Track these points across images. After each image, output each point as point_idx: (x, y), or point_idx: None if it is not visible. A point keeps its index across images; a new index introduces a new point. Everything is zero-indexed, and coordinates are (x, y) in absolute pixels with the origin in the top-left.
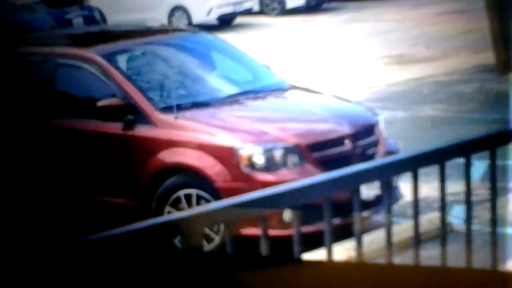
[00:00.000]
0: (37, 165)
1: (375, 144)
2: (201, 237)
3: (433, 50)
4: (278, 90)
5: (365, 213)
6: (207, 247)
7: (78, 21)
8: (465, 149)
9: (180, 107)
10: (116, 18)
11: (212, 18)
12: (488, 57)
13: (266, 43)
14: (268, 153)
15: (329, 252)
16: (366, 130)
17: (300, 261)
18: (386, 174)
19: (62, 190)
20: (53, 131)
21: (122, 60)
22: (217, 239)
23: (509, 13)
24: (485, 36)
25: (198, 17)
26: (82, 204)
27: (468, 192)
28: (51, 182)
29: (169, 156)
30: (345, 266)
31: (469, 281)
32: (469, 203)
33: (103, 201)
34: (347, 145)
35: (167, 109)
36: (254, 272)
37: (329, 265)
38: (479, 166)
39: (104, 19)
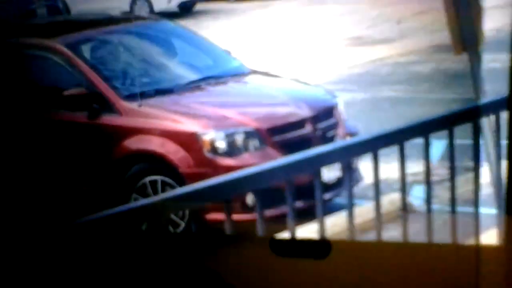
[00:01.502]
0: (5, 153)
1: (334, 126)
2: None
3: (390, 31)
4: (238, 75)
5: (326, 195)
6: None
7: (41, 11)
8: (423, 129)
9: (143, 95)
10: (79, 7)
11: (173, 6)
12: (444, 36)
13: (226, 29)
14: (230, 137)
15: (292, 235)
16: (326, 113)
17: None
18: (347, 156)
19: (29, 178)
20: (19, 120)
21: (86, 49)
22: (182, 225)
23: None
24: (441, 16)
25: (159, 4)
26: (50, 191)
27: (428, 172)
28: (18, 171)
29: (134, 143)
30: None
31: (438, 255)
32: (428, 183)
33: (71, 188)
34: (307, 128)
35: (131, 97)
36: (225, 252)
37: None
38: (438, 145)
39: (67, 9)
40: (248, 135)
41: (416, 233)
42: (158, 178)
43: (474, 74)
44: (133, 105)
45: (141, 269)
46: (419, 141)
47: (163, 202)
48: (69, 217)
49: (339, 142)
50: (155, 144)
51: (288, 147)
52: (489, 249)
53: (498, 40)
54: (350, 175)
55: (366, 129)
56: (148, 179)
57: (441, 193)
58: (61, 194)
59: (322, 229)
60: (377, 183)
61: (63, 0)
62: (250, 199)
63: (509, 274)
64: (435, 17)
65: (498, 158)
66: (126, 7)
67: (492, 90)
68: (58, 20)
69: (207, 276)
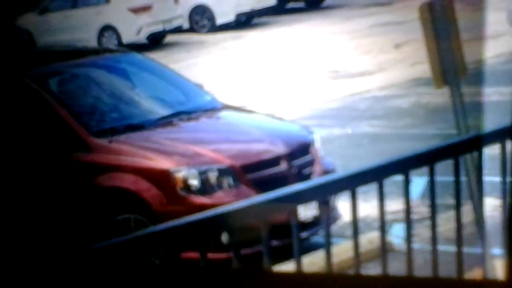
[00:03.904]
0: None
1: (311, 163)
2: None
3: (369, 63)
4: (211, 110)
5: (303, 234)
6: None
7: None
8: (403, 166)
9: (113, 131)
10: (45, 39)
11: (142, 37)
12: (425, 69)
13: (197, 61)
14: (203, 175)
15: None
16: (302, 150)
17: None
18: (324, 193)
19: (4, 214)
20: None
21: (53, 83)
22: (157, 263)
23: (443, 26)
24: (421, 48)
25: (128, 36)
26: (23, 228)
27: (408, 210)
28: None
29: (105, 180)
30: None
31: None
32: (408, 221)
33: (43, 227)
34: (283, 165)
35: (101, 133)
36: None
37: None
38: (418, 183)
39: (33, 41)
40: (222, 172)
41: (396, 272)
42: (131, 216)
43: (455, 108)
44: (103, 141)
45: None
46: (398, 178)
47: (134, 242)
48: (44, 251)
49: (316, 180)
50: (127, 182)
51: (263, 185)
52: (471, 285)
53: (479, 73)
54: (327, 213)
55: (344, 166)
56: (121, 217)
57: (422, 232)
58: (35, 232)
59: (299, 268)
60: (355, 222)
61: (28, 31)
62: (224, 237)
63: None
64: (415, 48)
65: (481, 195)
66: (93, 39)
67: (475, 125)
68: (24, 52)
69: None
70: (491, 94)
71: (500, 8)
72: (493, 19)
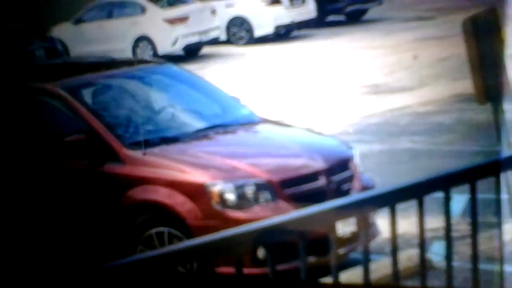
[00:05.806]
0: (4, 201)
1: (350, 179)
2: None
3: (410, 78)
4: (248, 123)
5: (341, 250)
6: None
7: (40, 53)
8: (444, 182)
9: (148, 143)
10: (79, 49)
11: (178, 49)
12: (466, 85)
13: (235, 74)
14: (240, 189)
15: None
16: (341, 165)
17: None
18: (363, 210)
19: (29, 226)
20: (20, 167)
21: (87, 94)
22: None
23: (487, 41)
24: (463, 63)
25: (163, 47)
26: (49, 241)
27: (448, 228)
28: (18, 218)
29: (139, 193)
30: None
31: None
32: (449, 239)
33: (73, 239)
34: (321, 180)
35: (135, 145)
36: None
37: None
38: (459, 200)
39: (67, 51)
40: (259, 187)
41: None
42: (165, 229)
43: (498, 125)
44: (137, 154)
45: None
46: (439, 195)
47: (170, 255)
48: (73, 266)
49: (355, 196)
50: (162, 195)
51: (301, 200)
52: None
53: None
54: (366, 229)
55: (384, 182)
56: (154, 230)
57: (462, 250)
58: (62, 244)
59: (336, 285)
60: (394, 238)
61: (62, 41)
62: (261, 252)
63: None
64: (457, 64)
65: None
66: (128, 49)
67: None
68: (57, 63)
69: None
70: None
71: None
72: None
